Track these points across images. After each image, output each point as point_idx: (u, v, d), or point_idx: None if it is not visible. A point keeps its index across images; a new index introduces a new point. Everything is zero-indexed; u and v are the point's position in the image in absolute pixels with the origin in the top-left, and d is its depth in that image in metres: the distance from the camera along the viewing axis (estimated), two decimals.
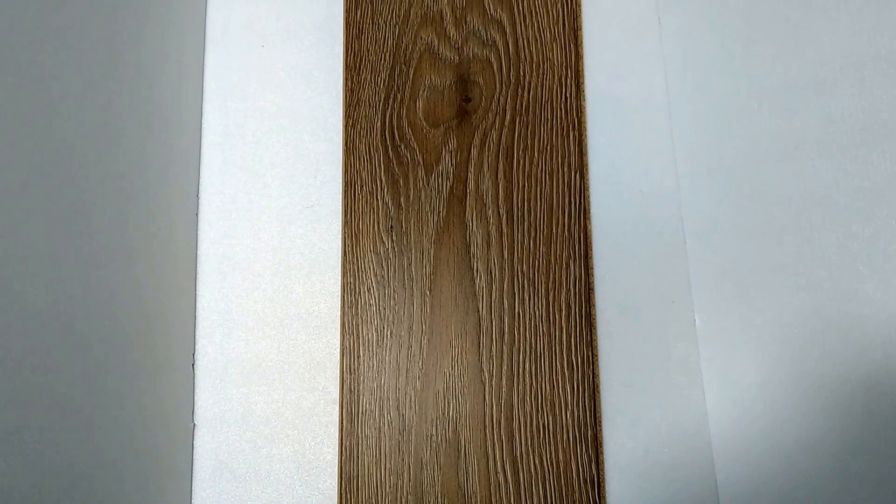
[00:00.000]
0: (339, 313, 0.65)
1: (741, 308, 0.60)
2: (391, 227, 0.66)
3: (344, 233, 0.66)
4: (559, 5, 0.69)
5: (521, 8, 0.69)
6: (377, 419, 0.63)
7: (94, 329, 0.53)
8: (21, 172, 0.45)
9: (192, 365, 0.66)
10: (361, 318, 0.65)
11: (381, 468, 0.63)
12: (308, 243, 0.67)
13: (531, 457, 0.62)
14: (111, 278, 0.55)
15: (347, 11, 0.70)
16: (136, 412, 0.58)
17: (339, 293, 0.65)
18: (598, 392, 0.63)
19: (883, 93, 0.48)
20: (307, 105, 0.70)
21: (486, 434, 0.62)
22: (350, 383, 0.64)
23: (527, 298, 0.64)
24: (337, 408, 0.64)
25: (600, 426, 0.62)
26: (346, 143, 0.68)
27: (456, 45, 0.69)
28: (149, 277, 0.61)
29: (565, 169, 0.66)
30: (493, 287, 0.64)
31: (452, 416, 0.63)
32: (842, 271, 0.51)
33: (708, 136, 0.64)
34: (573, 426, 0.62)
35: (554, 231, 0.65)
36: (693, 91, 0.66)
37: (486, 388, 0.63)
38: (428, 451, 0.63)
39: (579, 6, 0.69)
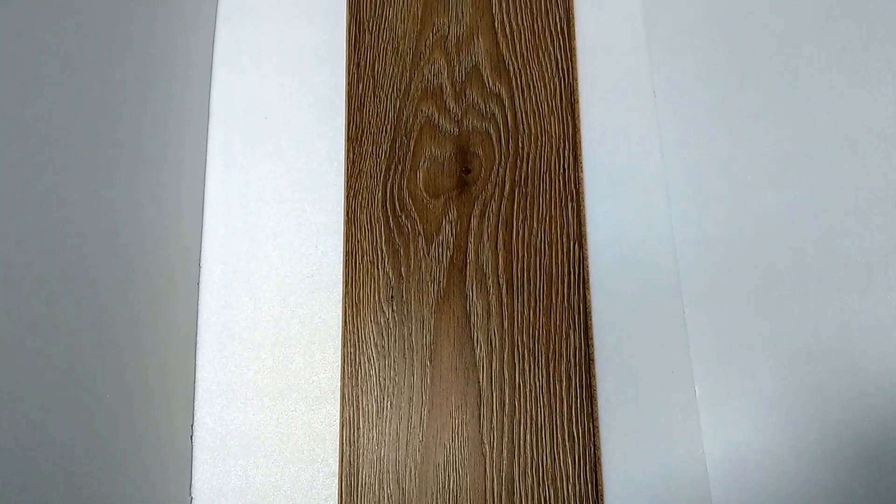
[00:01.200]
0: (339, 384, 0.65)
1: (741, 378, 0.61)
2: (392, 297, 0.67)
3: (345, 302, 0.67)
4: (556, 79, 0.71)
5: (519, 82, 0.71)
6: (377, 492, 0.63)
7: (92, 398, 0.53)
8: (27, 244, 0.46)
9: (191, 436, 0.66)
10: (361, 389, 0.65)
11: None
12: (309, 313, 0.68)
13: None
14: (111, 346, 0.56)
15: (349, 85, 0.72)
16: (132, 485, 0.58)
17: (340, 363, 0.65)
18: (600, 464, 0.63)
19: (875, 168, 0.49)
20: (309, 175, 0.71)
21: None
22: (349, 455, 0.64)
23: (527, 369, 0.65)
24: (336, 481, 0.64)
25: (602, 499, 0.62)
26: (347, 214, 0.69)
27: (456, 118, 0.71)
28: (149, 346, 0.61)
29: (564, 239, 0.68)
30: (494, 357, 0.65)
31: (453, 490, 0.63)
32: (840, 342, 0.51)
33: (705, 207, 0.65)
34: (575, 499, 0.62)
35: (554, 301, 0.66)
36: (689, 162, 0.68)
37: (487, 461, 0.63)
38: None
39: (576, 80, 0.71)
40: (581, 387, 0.64)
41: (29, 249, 0.46)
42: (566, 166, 0.69)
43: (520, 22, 0.72)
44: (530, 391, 0.64)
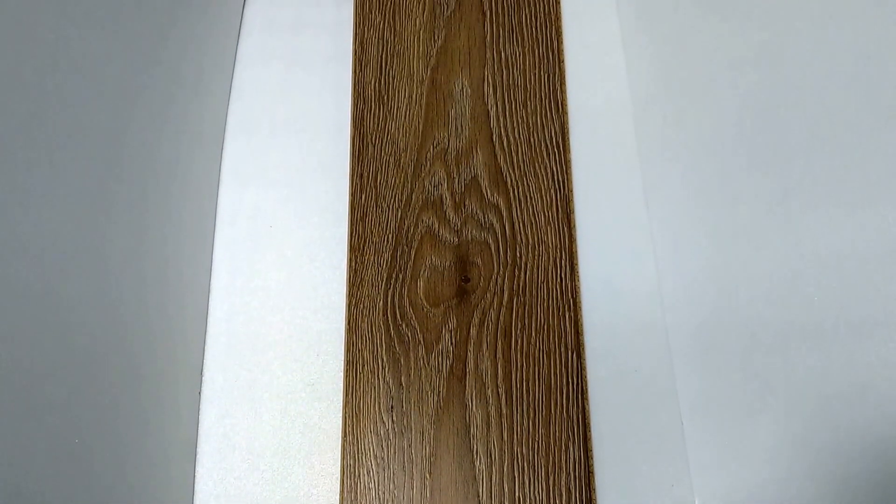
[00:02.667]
0: (338, 497, 0.66)
1: (743, 491, 0.61)
2: (392, 407, 0.68)
3: (345, 412, 0.68)
4: (552, 191, 0.74)
5: (516, 193, 0.74)
6: None
7: None
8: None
9: None
10: (360, 503, 0.66)
11: None
12: (309, 423, 0.69)
13: None
14: (112, 454, 0.56)
15: (352, 195, 0.75)
16: None
17: (339, 476, 0.66)
18: None
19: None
20: (311, 283, 0.74)
21: None
22: None
23: (527, 482, 0.65)
24: None
25: None
26: (348, 322, 0.71)
27: (455, 228, 0.73)
28: (149, 456, 0.62)
29: (562, 349, 0.69)
30: (493, 470, 0.66)
31: None
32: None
33: (699, 317, 0.67)
34: None
35: (553, 412, 0.67)
36: (683, 273, 0.70)
37: None
38: None
39: (571, 191, 0.74)
40: (581, 501, 0.65)
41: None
42: (563, 275, 0.72)
43: (517, 136, 0.76)
44: None
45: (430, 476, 0.66)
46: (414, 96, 0.77)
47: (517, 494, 0.65)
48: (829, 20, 0.49)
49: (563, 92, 0.77)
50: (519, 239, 0.73)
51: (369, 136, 0.77)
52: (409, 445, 0.67)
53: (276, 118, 0.79)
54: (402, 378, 0.69)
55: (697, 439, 0.66)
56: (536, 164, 0.75)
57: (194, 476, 0.68)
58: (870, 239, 0.47)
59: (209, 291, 0.74)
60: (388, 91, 0.78)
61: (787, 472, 0.56)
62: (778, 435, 0.58)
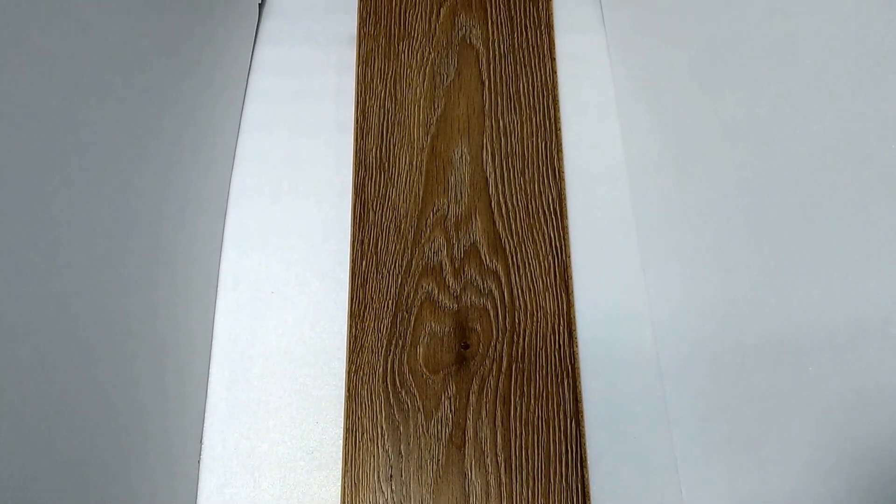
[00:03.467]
0: None
1: None
2: (391, 476, 0.69)
3: (344, 482, 0.69)
4: (550, 257, 0.76)
5: (515, 259, 0.76)
6: None
7: None
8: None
9: None
10: None
11: None
12: (308, 492, 0.69)
13: None
14: None
15: (353, 261, 0.76)
16: None
17: None
18: None
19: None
20: (311, 349, 0.75)
21: None
22: None
23: None
24: None
25: None
26: (348, 389, 0.72)
27: (455, 294, 0.75)
28: None
29: (561, 416, 0.70)
30: None
31: None
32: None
33: (697, 384, 0.68)
34: None
35: (552, 482, 0.68)
36: (680, 339, 0.71)
37: None
38: None
39: (569, 257, 0.76)
40: None
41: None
42: (561, 342, 0.73)
43: (515, 202, 0.78)
44: None
45: None
46: (414, 163, 0.79)
47: None
48: (822, 90, 0.51)
49: (560, 159, 0.79)
50: (518, 305, 0.74)
51: (370, 203, 0.78)
52: None
53: (278, 184, 0.81)
54: (402, 446, 0.70)
55: None
56: (534, 231, 0.77)
57: None
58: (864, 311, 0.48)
59: (210, 357, 0.75)
60: (389, 158, 0.80)
61: None
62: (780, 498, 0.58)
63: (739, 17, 0.62)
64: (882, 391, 0.47)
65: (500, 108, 0.81)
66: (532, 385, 0.71)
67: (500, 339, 0.73)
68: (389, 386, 0.72)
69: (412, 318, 0.74)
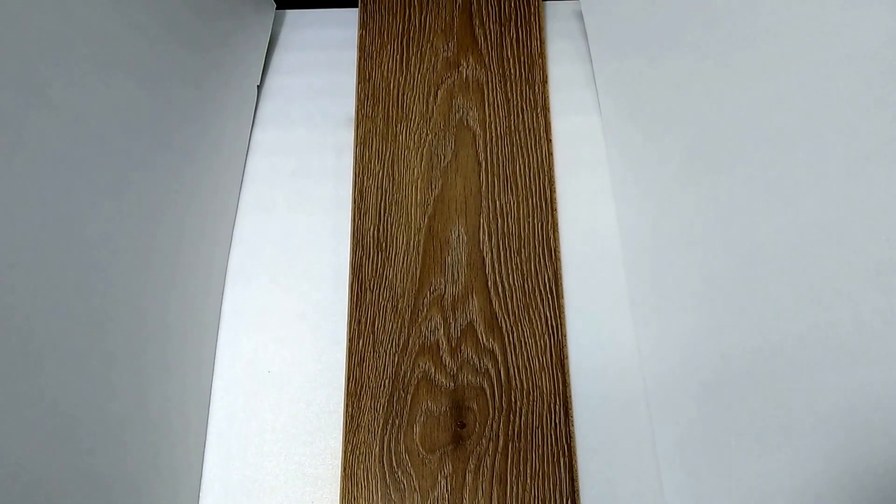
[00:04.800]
0: None
1: None
2: None
3: None
4: (546, 336, 0.78)
5: (511, 338, 0.77)
6: None
7: None
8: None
9: None
10: None
11: None
12: None
13: None
14: None
15: (350, 341, 0.78)
16: None
17: None
18: None
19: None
20: (307, 429, 0.76)
21: None
22: None
23: None
24: None
25: None
26: (344, 469, 0.73)
27: (451, 373, 0.76)
28: None
29: (557, 496, 0.71)
30: None
31: None
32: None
33: (692, 465, 0.69)
34: None
35: None
36: (676, 423, 0.72)
37: None
38: None
39: (565, 336, 0.78)
40: None
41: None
42: (557, 421, 0.74)
43: (511, 282, 0.80)
44: None
45: None
46: (412, 244, 0.82)
47: None
48: (815, 180, 0.54)
49: (556, 240, 0.82)
50: (514, 384, 0.76)
51: (367, 283, 0.81)
52: None
53: (276, 264, 0.84)
54: None
55: None
56: (531, 310, 0.79)
57: None
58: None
59: (206, 436, 0.76)
60: (387, 238, 0.82)
61: None
62: None
63: (734, 104, 0.65)
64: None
65: (496, 189, 0.85)
66: (528, 464, 0.72)
67: (496, 417, 0.74)
68: (386, 465, 0.73)
69: (409, 398, 0.76)
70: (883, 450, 0.47)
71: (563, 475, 0.72)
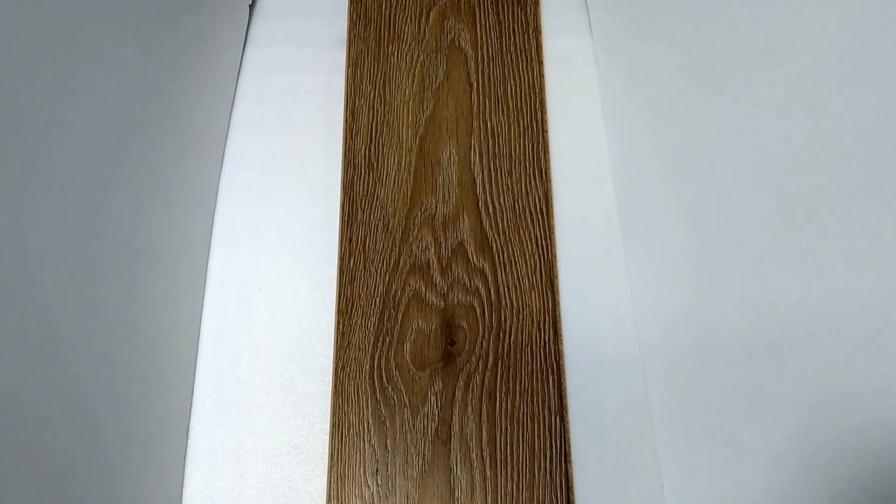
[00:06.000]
0: None
1: None
2: (377, 471, 0.70)
3: (330, 476, 0.70)
4: (536, 256, 0.78)
5: (501, 258, 0.78)
6: None
7: None
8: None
9: None
10: None
11: None
12: (294, 486, 0.71)
13: None
14: None
15: (341, 259, 0.78)
16: None
17: None
18: None
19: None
20: (298, 346, 0.76)
21: None
22: None
23: None
24: None
25: None
26: (335, 385, 0.74)
27: (442, 292, 0.77)
28: None
29: (546, 412, 0.72)
30: None
31: None
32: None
33: (680, 381, 0.70)
34: None
35: (536, 476, 0.70)
36: (663, 337, 0.73)
37: None
38: None
39: (554, 256, 0.78)
40: None
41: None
42: (547, 339, 0.75)
43: (502, 202, 0.80)
44: None
45: None
46: (403, 164, 0.82)
47: None
48: (814, 92, 0.54)
49: (546, 160, 0.82)
50: (504, 303, 0.76)
51: (359, 202, 0.81)
52: None
53: (267, 183, 0.84)
54: (388, 441, 0.72)
55: (678, 500, 0.69)
56: (521, 230, 0.79)
57: None
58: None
59: (197, 353, 0.76)
60: (378, 158, 0.82)
61: None
62: (760, 492, 0.60)
63: (728, 20, 0.65)
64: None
65: (487, 110, 0.84)
66: (517, 381, 0.73)
67: (486, 336, 0.75)
68: (376, 382, 0.74)
69: (399, 316, 0.76)
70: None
71: (552, 392, 0.73)
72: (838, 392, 0.51)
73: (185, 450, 0.73)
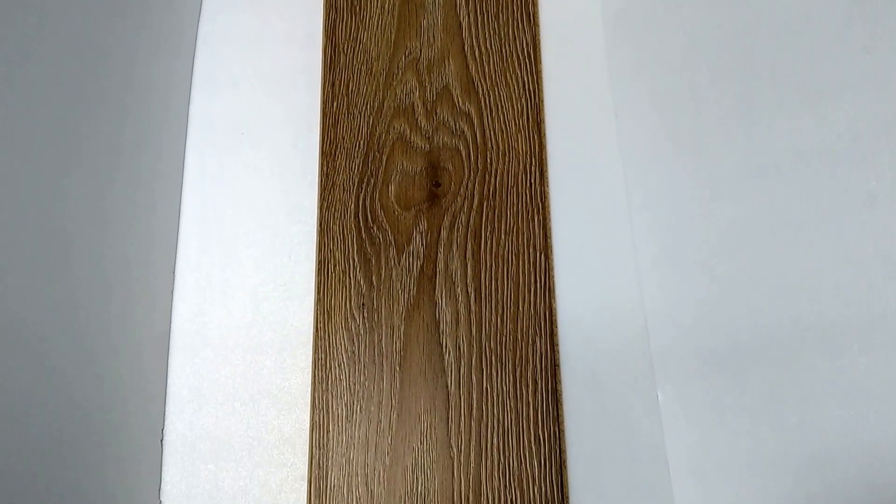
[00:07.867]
0: (309, 389, 0.69)
1: (701, 384, 0.65)
2: (363, 305, 0.72)
3: (316, 310, 0.72)
4: (523, 100, 0.78)
5: (487, 102, 0.78)
6: (345, 495, 0.67)
7: (64, 401, 0.56)
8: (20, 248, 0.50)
9: (161, 440, 0.69)
10: (331, 394, 0.69)
11: None
12: (280, 320, 0.72)
13: None
14: (84, 350, 0.59)
15: (324, 102, 0.78)
16: (102, 488, 0.61)
17: (311, 369, 0.69)
18: (566, 467, 0.67)
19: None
20: (283, 188, 0.77)
21: None
22: (319, 459, 0.67)
23: (494, 374, 0.69)
24: (305, 484, 0.67)
25: (567, 501, 0.66)
26: (320, 224, 0.74)
27: (427, 135, 0.77)
28: (122, 349, 0.65)
29: (530, 250, 0.73)
30: (462, 363, 0.70)
31: (421, 492, 0.66)
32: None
33: (666, 217, 0.71)
34: (541, 501, 0.66)
35: (520, 308, 0.71)
36: (648, 177, 0.74)
37: (455, 464, 0.67)
38: None
39: (542, 101, 0.78)
40: (547, 391, 0.69)
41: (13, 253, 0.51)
42: (532, 181, 0.75)
43: (489, 46, 0.79)
44: (497, 395, 0.69)
45: (400, 368, 0.70)
46: (386, 6, 0.81)
47: (485, 385, 0.69)
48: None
49: (535, 5, 0.81)
50: (490, 146, 0.76)
51: (341, 46, 0.80)
52: (380, 340, 0.71)
53: (247, 28, 0.82)
54: (374, 277, 0.73)
55: (661, 337, 0.70)
56: (508, 74, 0.79)
57: (167, 369, 0.71)
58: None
59: (181, 195, 0.77)
60: (360, 1, 0.81)
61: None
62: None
63: None
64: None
65: None
66: (503, 221, 0.74)
67: (471, 178, 0.76)
68: (361, 221, 0.74)
69: (384, 158, 0.76)
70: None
71: (536, 230, 0.74)
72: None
73: (173, 285, 0.74)
